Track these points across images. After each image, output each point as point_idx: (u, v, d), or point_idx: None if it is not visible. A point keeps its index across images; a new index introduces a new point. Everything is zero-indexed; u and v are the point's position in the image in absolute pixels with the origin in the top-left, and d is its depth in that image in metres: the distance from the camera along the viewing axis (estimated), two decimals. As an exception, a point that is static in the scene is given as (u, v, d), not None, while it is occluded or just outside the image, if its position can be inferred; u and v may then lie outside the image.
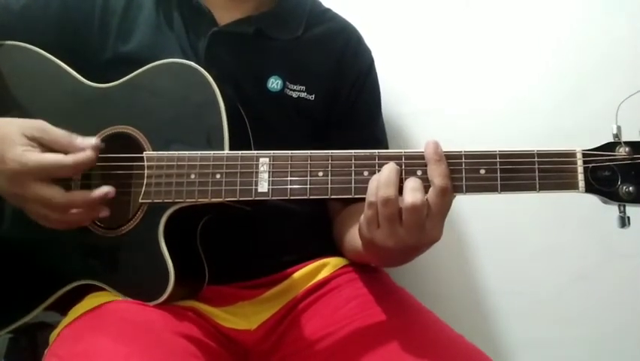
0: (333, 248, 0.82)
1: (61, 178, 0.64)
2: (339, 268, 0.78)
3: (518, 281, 0.95)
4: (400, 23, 1.01)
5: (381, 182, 0.57)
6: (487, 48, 0.97)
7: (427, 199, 0.56)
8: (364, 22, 0.89)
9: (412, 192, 0.55)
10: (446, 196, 0.56)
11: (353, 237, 0.70)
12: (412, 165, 0.59)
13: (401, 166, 0.59)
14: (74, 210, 0.63)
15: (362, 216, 0.59)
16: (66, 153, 0.63)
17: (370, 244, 0.60)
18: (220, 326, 0.71)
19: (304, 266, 0.78)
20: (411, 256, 0.62)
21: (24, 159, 0.61)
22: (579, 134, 0.87)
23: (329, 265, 0.78)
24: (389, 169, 0.57)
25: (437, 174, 0.56)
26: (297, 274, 0.77)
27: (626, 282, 0.91)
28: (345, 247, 0.77)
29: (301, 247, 0.79)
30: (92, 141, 0.64)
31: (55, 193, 0.62)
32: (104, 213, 0.65)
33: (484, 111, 0.96)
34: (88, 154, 0.63)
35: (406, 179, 0.58)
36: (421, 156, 0.59)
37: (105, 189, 0.64)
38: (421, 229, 0.56)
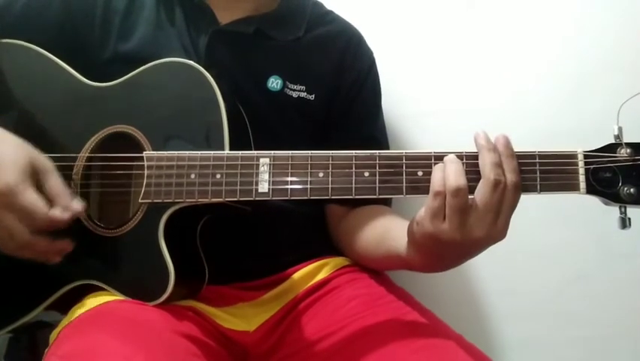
0: (333, 248, 0.82)
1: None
2: (339, 269, 0.78)
3: (518, 281, 0.95)
4: (401, 25, 1.01)
5: (450, 171, 0.56)
6: (488, 49, 0.97)
7: (503, 195, 0.55)
8: (366, 23, 0.89)
9: (496, 169, 0.55)
10: (519, 192, 0.56)
11: (382, 240, 0.69)
12: (413, 165, 0.59)
13: (402, 167, 0.59)
14: (31, 252, 0.63)
15: (421, 212, 0.58)
16: (52, 201, 0.62)
17: (432, 239, 0.57)
18: (220, 326, 0.71)
19: (304, 266, 0.78)
20: (469, 255, 0.60)
21: (15, 190, 0.59)
22: (580, 135, 0.87)
23: (329, 265, 0.78)
24: (454, 159, 0.57)
25: (511, 169, 0.56)
26: (296, 275, 0.77)
27: (626, 282, 0.91)
28: (364, 252, 0.75)
29: (301, 247, 0.79)
30: (79, 208, 0.63)
31: (21, 233, 0.61)
32: (56, 259, 0.65)
33: (485, 112, 0.96)
34: (64, 216, 0.62)
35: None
36: (422, 157, 0.59)
37: (63, 245, 0.64)
38: (495, 217, 0.55)
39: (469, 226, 0.55)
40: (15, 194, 0.60)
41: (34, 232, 0.61)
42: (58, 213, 0.61)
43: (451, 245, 0.57)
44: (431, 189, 0.56)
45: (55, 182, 0.63)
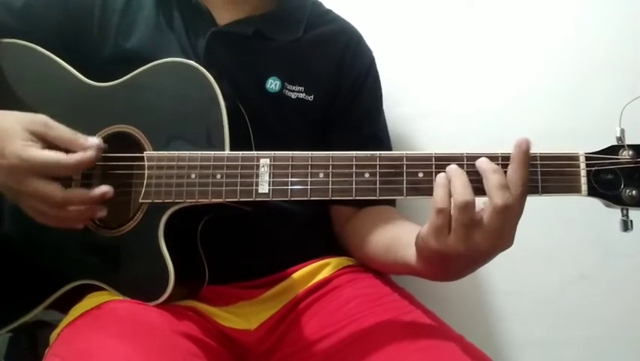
0: (334, 248, 0.82)
1: (61, 176, 0.63)
2: (340, 269, 0.78)
3: (518, 281, 0.95)
4: (401, 24, 1.01)
5: (457, 186, 0.55)
6: (488, 49, 0.97)
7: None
8: (366, 23, 0.89)
9: (502, 192, 0.54)
10: (524, 199, 0.55)
11: (391, 246, 0.69)
12: (414, 166, 0.59)
13: (402, 168, 0.59)
14: (72, 208, 0.63)
15: (424, 229, 0.57)
16: (68, 150, 0.62)
17: (438, 255, 0.57)
18: (220, 326, 0.71)
19: (304, 266, 0.78)
20: (477, 265, 0.59)
21: (24, 155, 0.60)
22: (580, 135, 0.87)
23: (329, 265, 0.78)
24: (458, 172, 0.56)
25: (519, 180, 0.55)
26: (297, 274, 0.77)
27: (626, 282, 0.91)
28: (373, 256, 0.74)
29: (301, 247, 0.79)
30: (95, 141, 0.64)
31: (53, 190, 0.61)
32: (102, 213, 0.64)
33: (486, 113, 0.96)
34: (89, 154, 0.62)
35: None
36: (423, 158, 0.59)
37: (104, 189, 0.63)
38: (501, 233, 0.54)
39: (475, 240, 0.55)
40: (26, 158, 0.60)
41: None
42: (80, 153, 0.62)
43: (457, 258, 0.56)
44: (434, 205, 0.56)
45: (58, 132, 0.63)
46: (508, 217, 0.54)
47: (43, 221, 0.64)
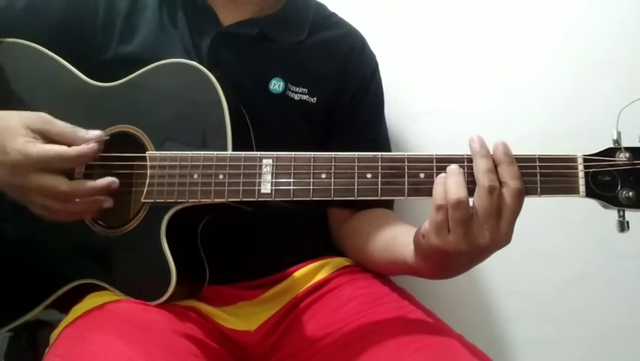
0: (334, 248, 0.82)
1: (64, 170, 0.63)
2: (340, 268, 0.78)
3: (518, 281, 0.95)
4: (401, 24, 1.01)
5: (450, 184, 0.56)
6: (488, 50, 0.98)
7: (504, 201, 0.56)
8: (366, 23, 0.89)
9: (489, 175, 0.55)
10: (521, 197, 0.56)
11: (388, 246, 0.70)
12: (415, 168, 0.59)
13: (404, 169, 0.59)
14: (78, 200, 0.63)
15: (426, 225, 0.58)
16: (69, 145, 0.62)
17: (438, 252, 0.57)
18: (221, 327, 0.71)
19: (304, 266, 0.78)
20: (475, 262, 0.60)
21: (27, 150, 0.60)
22: (579, 136, 0.87)
23: (329, 265, 0.78)
24: (455, 171, 0.57)
25: (512, 176, 0.56)
26: (297, 274, 0.77)
27: (626, 282, 0.91)
28: (370, 257, 0.75)
29: (302, 247, 0.79)
30: (96, 133, 0.64)
31: (59, 182, 0.61)
32: (108, 203, 0.64)
33: (485, 113, 0.96)
34: (91, 146, 0.62)
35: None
36: (424, 159, 0.59)
37: (109, 179, 0.63)
38: (496, 227, 0.55)
39: (473, 235, 0.56)
40: (29, 153, 0.60)
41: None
42: (83, 145, 0.62)
43: (457, 255, 0.57)
44: (433, 202, 0.57)
45: (59, 128, 0.63)
46: (499, 204, 0.55)
47: (50, 216, 0.64)
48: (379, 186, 0.60)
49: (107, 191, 0.63)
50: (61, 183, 0.61)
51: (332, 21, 0.86)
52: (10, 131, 0.61)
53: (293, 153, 0.62)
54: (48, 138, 0.62)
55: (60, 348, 0.60)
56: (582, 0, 0.94)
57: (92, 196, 0.63)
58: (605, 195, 0.57)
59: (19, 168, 0.61)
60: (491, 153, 0.57)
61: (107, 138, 0.66)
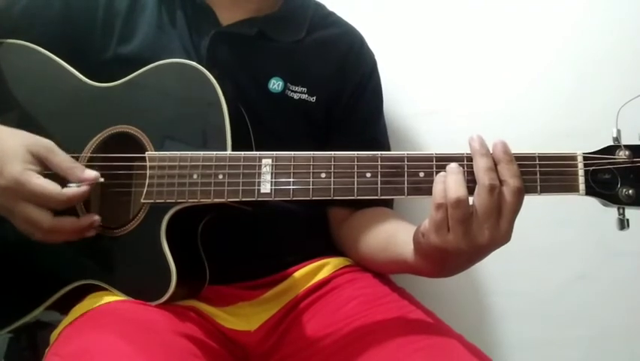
0: (334, 248, 0.82)
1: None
2: (340, 268, 0.78)
3: (518, 281, 0.95)
4: (401, 26, 1.01)
5: (450, 183, 0.56)
6: (488, 50, 0.98)
7: (503, 199, 0.56)
8: (366, 23, 0.89)
9: (489, 174, 0.55)
10: (521, 196, 0.56)
11: (388, 245, 0.70)
12: (415, 167, 0.59)
13: (404, 168, 0.59)
14: (59, 234, 0.64)
15: (425, 224, 0.58)
16: (64, 178, 0.63)
17: (438, 250, 0.57)
18: (221, 327, 0.71)
19: (304, 266, 0.78)
20: (474, 260, 0.60)
21: (21, 179, 0.61)
22: (579, 135, 0.87)
23: (329, 265, 0.78)
24: (455, 170, 0.57)
25: (511, 175, 0.56)
26: (297, 274, 0.77)
27: (626, 282, 0.91)
28: (370, 256, 0.75)
29: (301, 247, 0.79)
30: (92, 174, 0.64)
31: (42, 218, 0.62)
32: (90, 234, 0.66)
33: (485, 113, 0.96)
34: (83, 190, 0.63)
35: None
36: (424, 158, 0.59)
37: (93, 217, 0.65)
38: (495, 225, 0.55)
39: (473, 233, 0.56)
40: (22, 183, 0.61)
41: (56, 214, 0.62)
42: (74, 189, 0.63)
43: (457, 254, 0.57)
44: (433, 201, 0.57)
45: (59, 159, 0.64)
46: (499, 203, 0.55)
47: (34, 238, 0.65)
48: (379, 185, 0.60)
49: (89, 228, 0.65)
50: (45, 220, 0.62)
51: (330, 20, 0.86)
52: (11, 153, 0.62)
53: (292, 152, 0.62)
54: (46, 166, 0.63)
55: (60, 348, 0.60)
56: (582, 0, 0.94)
57: (74, 232, 0.64)
58: (604, 193, 0.57)
59: (9, 193, 0.62)
60: (491, 152, 0.57)
61: (102, 180, 0.66)
